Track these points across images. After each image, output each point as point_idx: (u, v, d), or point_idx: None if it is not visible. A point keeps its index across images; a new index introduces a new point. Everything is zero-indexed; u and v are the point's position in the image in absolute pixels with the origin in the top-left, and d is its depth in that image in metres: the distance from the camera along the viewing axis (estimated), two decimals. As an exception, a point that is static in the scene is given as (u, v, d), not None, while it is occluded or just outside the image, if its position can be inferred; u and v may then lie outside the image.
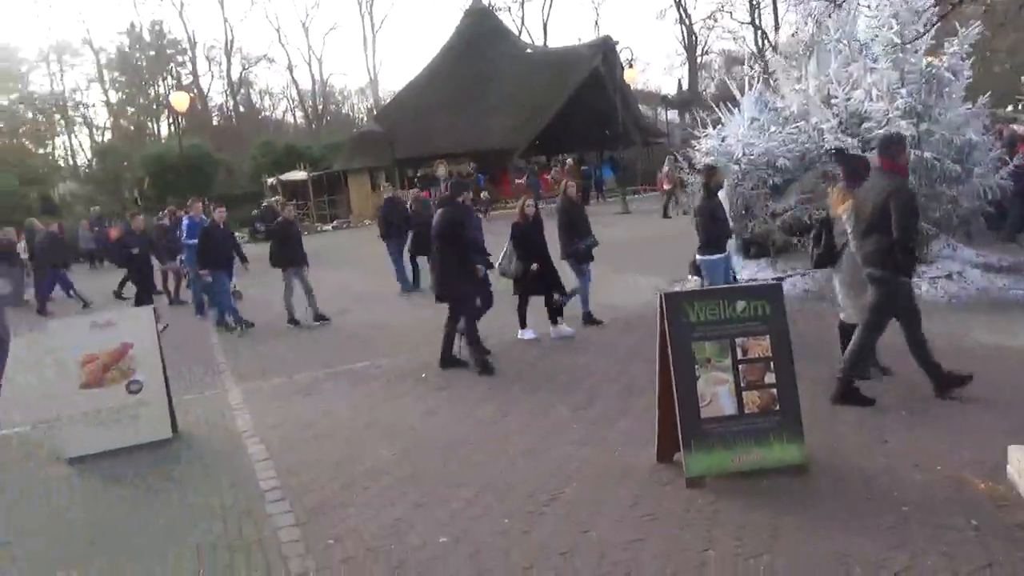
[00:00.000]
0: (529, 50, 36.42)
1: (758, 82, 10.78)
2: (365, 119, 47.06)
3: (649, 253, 14.60)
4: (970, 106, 9.48)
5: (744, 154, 10.14)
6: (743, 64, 48.64)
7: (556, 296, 8.67)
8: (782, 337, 4.54)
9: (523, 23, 50.75)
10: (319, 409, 6.73)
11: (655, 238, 16.87)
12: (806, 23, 10.79)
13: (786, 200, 10.24)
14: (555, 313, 8.71)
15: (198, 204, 12.81)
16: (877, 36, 9.56)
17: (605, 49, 32.52)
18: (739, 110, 11.14)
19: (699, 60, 49.81)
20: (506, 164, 31.33)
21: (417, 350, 8.63)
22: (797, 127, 10.45)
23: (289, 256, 10.83)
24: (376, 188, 31.45)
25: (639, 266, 13.04)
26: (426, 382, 7.33)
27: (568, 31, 71.12)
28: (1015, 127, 12.67)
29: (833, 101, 10.11)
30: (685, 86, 47.55)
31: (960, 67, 9.32)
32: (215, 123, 53.28)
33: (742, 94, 10.76)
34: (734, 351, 4.49)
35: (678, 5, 47.76)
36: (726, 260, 8.28)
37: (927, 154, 9.17)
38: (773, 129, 10.19)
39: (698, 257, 8.15)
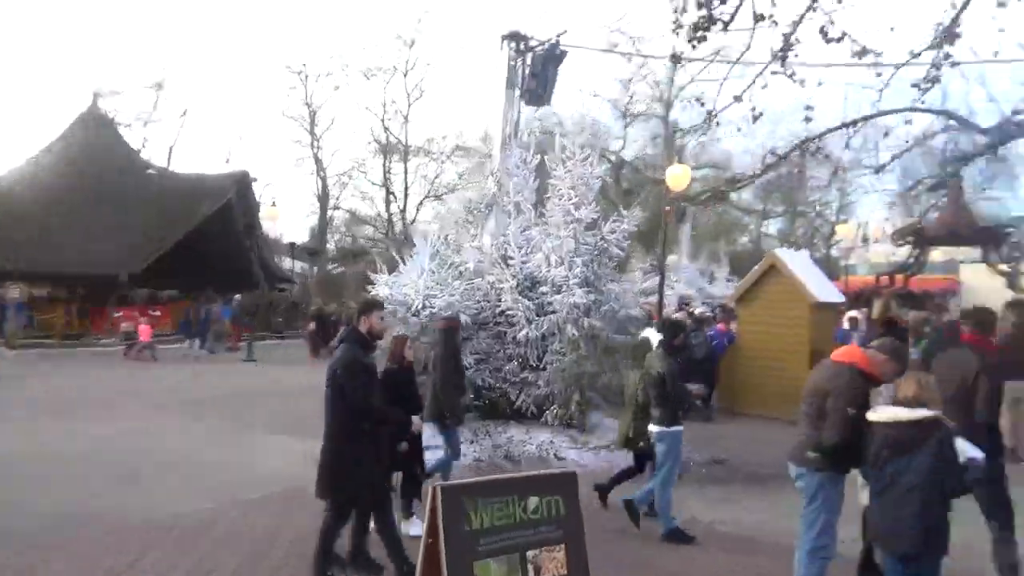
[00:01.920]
0: (151, 171, 32.75)
1: (438, 234, 10.26)
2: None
3: (290, 408, 12.75)
4: (634, 283, 10.04)
5: (425, 306, 9.30)
6: (368, 223, 50.80)
7: (418, 471, 6.37)
8: (578, 547, 3.38)
9: (144, 144, 46.07)
10: None
11: (293, 389, 15.00)
12: (487, 180, 10.73)
13: (464, 359, 9.53)
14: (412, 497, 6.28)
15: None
16: (557, 205, 9.76)
17: (241, 184, 30.64)
18: (413, 260, 10.47)
19: (329, 214, 50.25)
20: (107, 293, 26.73)
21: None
22: (472, 283, 10.05)
23: None
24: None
25: (284, 424, 11.19)
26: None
27: (196, 164, 66.57)
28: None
29: (510, 262, 9.96)
30: (312, 236, 47.29)
31: (624, 245, 9.86)
32: None
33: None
34: (524, 570, 3.18)
35: (315, 157, 48.23)
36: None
37: (596, 323, 9.30)
38: (456, 283, 9.59)
39: (653, 429, 6.34)
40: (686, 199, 26.90)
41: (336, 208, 50.70)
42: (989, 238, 15.16)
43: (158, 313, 28.22)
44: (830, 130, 4.65)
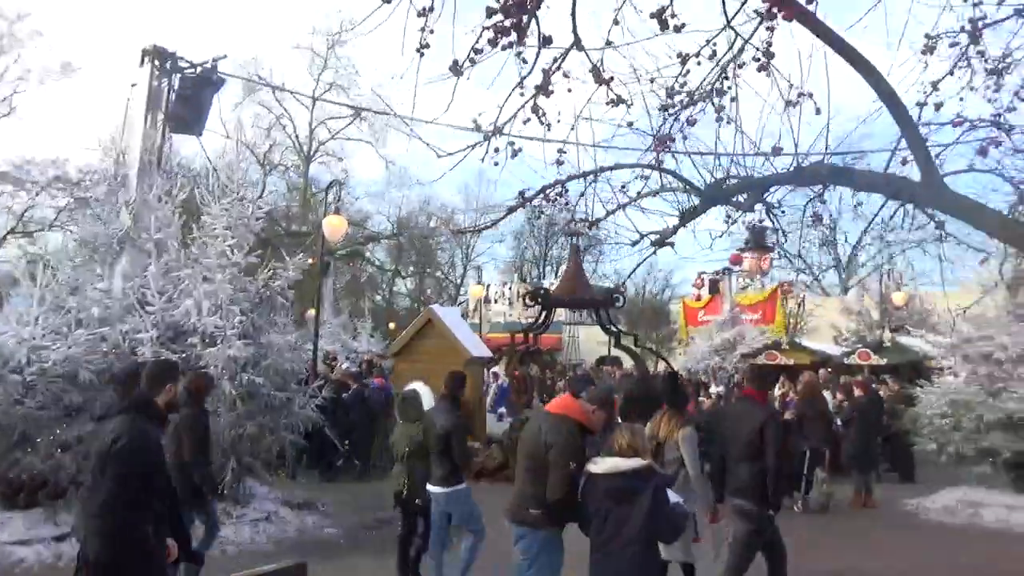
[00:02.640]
0: None
1: (48, 271, 8.29)
2: None
3: None
4: (294, 335, 9.23)
5: (33, 360, 7.37)
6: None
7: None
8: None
9: None
10: None
11: None
12: (120, 212, 9.03)
13: (80, 426, 7.73)
14: None
15: None
16: (211, 246, 8.61)
17: None
18: (9, 304, 8.37)
19: None
20: None
21: None
22: (97, 334, 8.30)
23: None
24: None
25: None
26: None
27: None
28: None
29: (149, 308, 8.46)
30: None
31: (290, 294, 9.07)
32: None
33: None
34: None
35: None
36: None
37: (258, 379, 8.32)
38: (78, 332, 7.80)
39: (436, 489, 5.96)
40: (330, 252, 26.56)
41: None
42: (603, 302, 17.30)
43: None
44: (571, 178, 4.69)
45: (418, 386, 6.90)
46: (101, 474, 3.79)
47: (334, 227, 13.05)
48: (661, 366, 15.74)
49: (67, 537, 7.28)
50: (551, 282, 49.39)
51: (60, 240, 41.80)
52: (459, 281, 53.52)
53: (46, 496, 7.74)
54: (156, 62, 9.68)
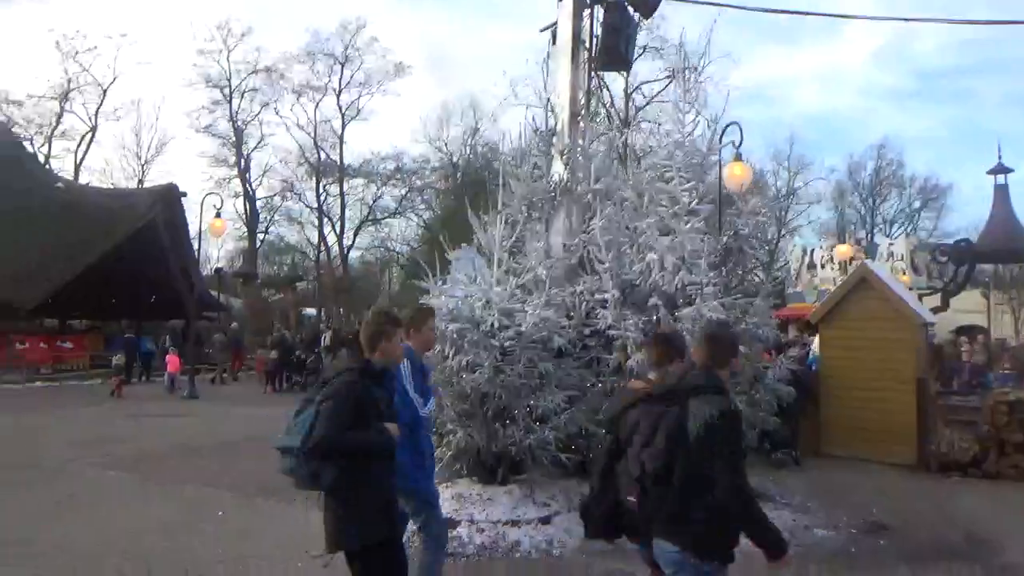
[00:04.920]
0: (60, 184, 28.57)
1: (505, 227, 7.63)
2: None
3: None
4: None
5: (505, 325, 6.70)
6: (296, 250, 47.06)
7: None
8: None
9: (48, 159, 41.00)
10: None
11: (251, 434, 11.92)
12: (553, 162, 8.21)
13: (550, 398, 6.94)
14: None
15: None
16: (664, 191, 7.39)
17: (166, 199, 26.91)
18: (457, 266, 7.88)
19: (259, 238, 46.48)
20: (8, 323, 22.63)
21: None
22: (552, 295, 7.50)
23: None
24: None
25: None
26: None
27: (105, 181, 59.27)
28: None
29: (601, 267, 7.50)
30: (245, 261, 43.36)
31: (763, 246, 7.60)
32: None
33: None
34: None
35: (242, 178, 44.36)
36: None
37: (741, 348, 6.91)
38: (554, 291, 7.06)
39: None
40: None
41: (265, 232, 46.86)
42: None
43: (69, 345, 24.28)
44: None
45: None
46: None
47: (736, 176, 11.35)
48: None
49: (551, 519, 6.56)
50: (889, 244, 43.51)
51: (402, 226, 46.25)
52: (772, 247, 49.47)
53: (510, 471, 7.15)
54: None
